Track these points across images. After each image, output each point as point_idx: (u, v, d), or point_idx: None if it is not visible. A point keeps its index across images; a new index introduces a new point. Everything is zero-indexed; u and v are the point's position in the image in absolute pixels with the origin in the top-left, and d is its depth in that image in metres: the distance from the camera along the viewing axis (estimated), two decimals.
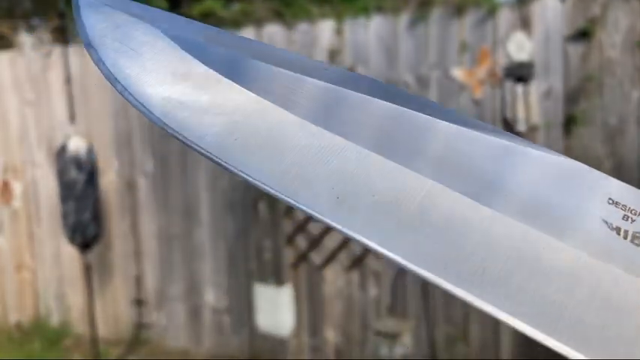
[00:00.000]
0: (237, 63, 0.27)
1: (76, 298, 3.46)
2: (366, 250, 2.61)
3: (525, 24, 2.35)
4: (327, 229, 2.65)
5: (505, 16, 2.40)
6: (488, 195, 0.21)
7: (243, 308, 3.05)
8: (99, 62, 0.29)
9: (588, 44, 2.40)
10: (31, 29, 3.42)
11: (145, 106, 0.29)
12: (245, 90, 0.26)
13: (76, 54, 3.24)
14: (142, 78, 0.28)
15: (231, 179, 3.00)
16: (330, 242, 2.69)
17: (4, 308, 3.63)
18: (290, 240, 2.86)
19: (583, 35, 2.38)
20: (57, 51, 3.30)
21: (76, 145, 2.89)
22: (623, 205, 0.19)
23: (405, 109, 0.24)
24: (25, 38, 3.48)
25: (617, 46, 2.41)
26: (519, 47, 2.21)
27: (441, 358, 2.73)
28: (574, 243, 0.18)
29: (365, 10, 2.70)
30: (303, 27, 2.77)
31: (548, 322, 0.18)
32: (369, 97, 0.24)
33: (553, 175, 0.20)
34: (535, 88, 2.26)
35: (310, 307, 2.95)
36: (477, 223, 0.20)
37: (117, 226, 3.29)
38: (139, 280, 3.29)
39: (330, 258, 2.85)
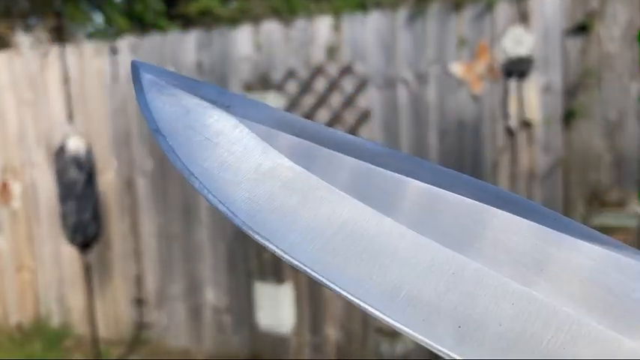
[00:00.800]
0: (321, 155, 0.24)
1: (76, 299, 3.46)
2: None
3: (524, 18, 2.34)
4: None
5: (503, 10, 2.39)
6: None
7: (243, 307, 3.05)
8: (169, 152, 0.26)
9: (587, 38, 2.39)
10: (28, 29, 3.41)
11: (227, 207, 0.26)
12: (339, 191, 0.23)
13: (73, 53, 3.23)
14: (222, 174, 0.25)
15: None
16: None
17: (5, 309, 3.62)
18: None
19: (582, 29, 2.37)
20: (54, 50, 3.29)
21: (76, 144, 2.89)
22: None
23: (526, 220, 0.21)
24: (22, 38, 3.47)
25: (616, 40, 2.40)
26: (518, 42, 2.20)
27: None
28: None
29: (362, 6, 2.69)
30: (300, 24, 2.76)
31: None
32: (475, 201, 0.22)
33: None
34: (534, 82, 2.26)
35: (311, 305, 2.94)
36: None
37: (116, 225, 3.29)
38: (139, 280, 3.29)
39: None
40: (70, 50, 3.24)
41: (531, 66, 2.18)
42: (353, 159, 0.23)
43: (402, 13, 2.61)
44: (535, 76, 2.34)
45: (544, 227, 0.21)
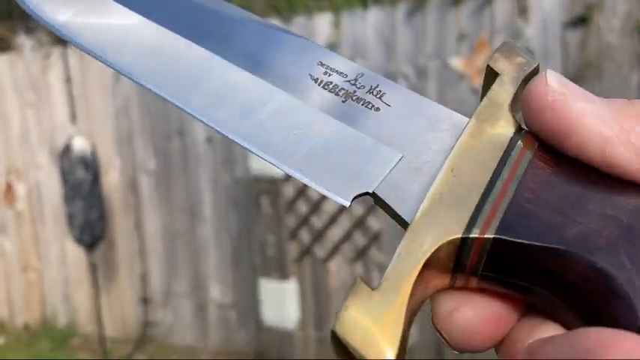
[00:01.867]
0: None
1: (82, 298, 3.48)
2: (370, 242, 2.61)
3: (523, 11, 2.35)
4: (330, 223, 2.66)
5: (502, 4, 2.39)
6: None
7: (248, 303, 3.07)
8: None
9: (587, 30, 2.39)
10: (29, 31, 3.42)
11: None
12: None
13: (74, 54, 3.25)
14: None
15: (232, 176, 3.01)
16: (334, 235, 2.70)
17: (12, 310, 3.65)
18: (293, 234, 2.87)
19: (581, 21, 2.38)
20: (56, 52, 3.31)
21: (81, 145, 2.91)
22: (327, 66, 0.24)
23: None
24: (23, 40, 3.48)
25: (615, 32, 2.40)
26: (517, 35, 2.20)
27: (446, 347, 2.74)
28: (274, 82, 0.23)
29: (362, 2, 2.70)
30: (300, 20, 2.77)
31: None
32: None
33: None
34: None
35: (315, 300, 2.95)
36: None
37: (121, 225, 3.30)
38: (144, 279, 3.31)
39: (334, 251, 2.85)
40: (72, 51, 3.26)
41: None
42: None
43: (402, 8, 2.62)
44: None
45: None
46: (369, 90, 0.23)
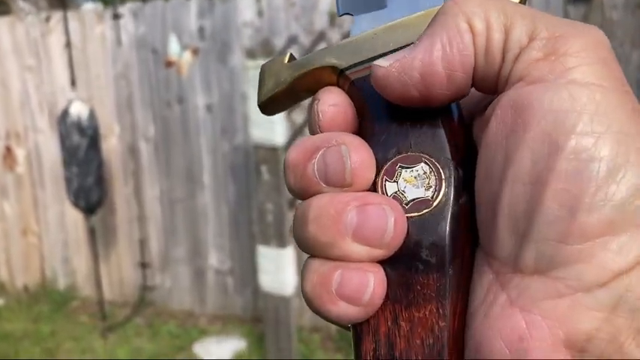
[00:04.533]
0: None
1: (81, 262, 3.52)
2: None
3: None
4: None
5: None
6: None
7: (246, 270, 3.11)
8: None
9: (589, 6, 2.39)
10: None
11: None
12: None
13: (75, 19, 3.23)
14: None
15: (232, 144, 3.03)
16: None
17: (12, 272, 3.69)
18: (292, 203, 2.90)
19: None
20: (56, 16, 3.29)
21: (78, 109, 2.90)
22: None
23: None
24: (23, 3, 3.45)
25: (618, 7, 2.40)
26: None
27: None
28: None
29: None
30: None
31: None
32: None
33: None
34: None
35: None
36: None
37: (120, 190, 3.33)
38: (143, 244, 3.35)
39: None
40: (72, 16, 3.24)
41: None
42: None
43: None
44: None
45: None
46: None
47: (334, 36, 2.74)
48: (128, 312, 3.32)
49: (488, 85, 0.24)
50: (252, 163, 2.86)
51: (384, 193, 0.25)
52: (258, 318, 3.03)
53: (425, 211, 0.24)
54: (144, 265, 3.35)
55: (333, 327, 3.00)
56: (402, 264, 0.24)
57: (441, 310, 0.24)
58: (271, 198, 2.46)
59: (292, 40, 2.81)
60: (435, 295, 0.24)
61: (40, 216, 3.58)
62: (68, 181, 2.95)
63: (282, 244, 2.48)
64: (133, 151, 3.27)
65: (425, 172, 0.25)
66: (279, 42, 2.83)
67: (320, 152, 0.25)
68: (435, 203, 0.24)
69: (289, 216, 2.81)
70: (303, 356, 2.80)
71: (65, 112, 2.89)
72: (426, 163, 0.25)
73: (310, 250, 0.26)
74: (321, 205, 0.25)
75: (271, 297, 2.55)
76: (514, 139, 0.22)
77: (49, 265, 3.61)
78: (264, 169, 2.45)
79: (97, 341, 3.05)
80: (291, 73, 0.28)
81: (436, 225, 0.24)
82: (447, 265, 0.24)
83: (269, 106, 0.30)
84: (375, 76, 0.25)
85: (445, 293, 0.24)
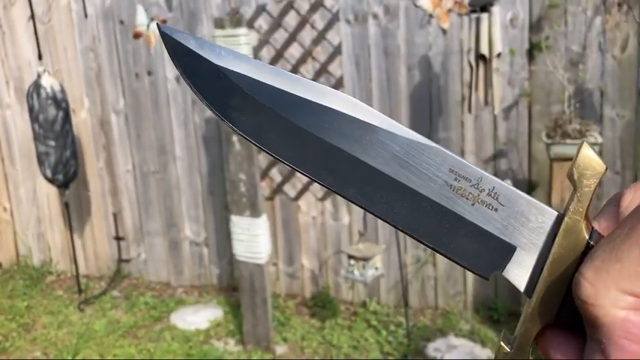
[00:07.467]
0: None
1: (55, 237, 3.51)
2: None
3: None
4: None
5: None
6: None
7: (221, 240, 3.14)
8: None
9: None
10: None
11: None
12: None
13: None
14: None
15: (202, 114, 3.02)
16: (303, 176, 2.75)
17: None
18: (265, 174, 2.92)
19: None
20: None
21: (50, 83, 2.86)
22: (456, 172, 0.31)
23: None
24: None
25: None
26: None
27: (410, 279, 2.87)
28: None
29: None
30: None
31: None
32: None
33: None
34: (500, 16, 2.30)
35: (286, 237, 3.04)
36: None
37: (92, 164, 3.31)
38: (117, 217, 3.35)
39: (304, 190, 2.92)
40: None
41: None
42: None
43: None
44: (501, 10, 2.38)
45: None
46: (488, 193, 0.30)
47: (303, 5, 2.74)
48: (104, 285, 3.33)
49: None
50: (223, 134, 2.86)
51: None
52: (234, 287, 3.07)
53: None
54: (118, 239, 3.36)
55: (307, 293, 3.06)
56: None
57: None
58: (243, 168, 2.48)
59: (261, 10, 2.80)
60: None
61: (11, 192, 3.55)
62: (45, 155, 2.90)
63: (255, 213, 2.50)
64: (103, 125, 3.25)
65: None
66: (247, 12, 2.81)
67: None
68: None
69: (262, 186, 2.84)
70: (279, 322, 2.86)
71: (38, 85, 2.84)
72: None
73: None
74: None
75: (245, 265, 2.58)
76: None
77: (22, 242, 3.60)
78: (235, 139, 2.46)
79: (74, 315, 3.06)
80: None
81: None
82: None
83: None
84: None
85: None
